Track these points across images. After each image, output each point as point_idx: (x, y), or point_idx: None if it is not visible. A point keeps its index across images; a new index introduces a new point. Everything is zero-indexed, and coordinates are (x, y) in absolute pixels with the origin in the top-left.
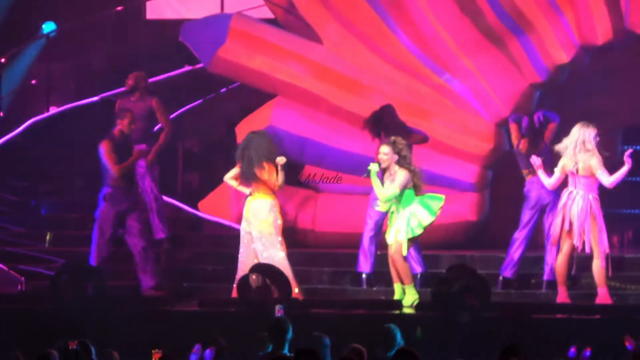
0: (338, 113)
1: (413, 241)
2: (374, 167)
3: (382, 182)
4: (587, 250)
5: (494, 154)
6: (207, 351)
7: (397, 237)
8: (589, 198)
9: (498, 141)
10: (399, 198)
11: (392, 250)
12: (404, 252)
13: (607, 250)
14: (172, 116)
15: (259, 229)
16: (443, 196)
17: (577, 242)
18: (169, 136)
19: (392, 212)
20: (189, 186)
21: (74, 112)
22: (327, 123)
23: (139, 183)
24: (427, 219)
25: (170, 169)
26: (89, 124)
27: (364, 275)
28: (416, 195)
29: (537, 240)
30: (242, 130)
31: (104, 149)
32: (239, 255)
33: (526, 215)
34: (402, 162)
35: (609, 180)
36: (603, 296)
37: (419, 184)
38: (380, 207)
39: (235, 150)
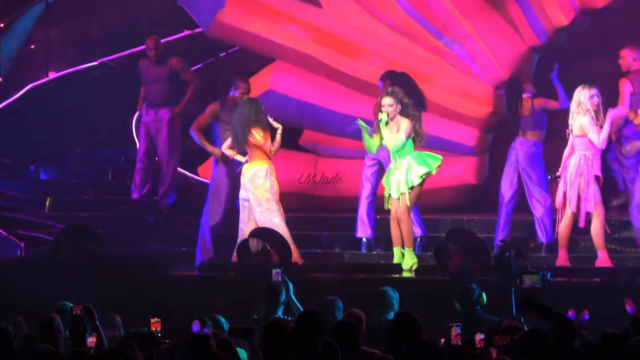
0: (337, 77)
1: (414, 198)
2: (384, 117)
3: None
4: (590, 209)
5: (493, 118)
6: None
7: (400, 189)
8: (582, 158)
9: (497, 105)
10: (400, 149)
11: (397, 210)
12: (408, 203)
13: (593, 210)
14: None
15: (256, 195)
16: (441, 156)
17: (572, 206)
18: (197, 89)
19: (390, 171)
20: (189, 151)
21: (73, 77)
22: (327, 87)
23: (153, 135)
24: (423, 169)
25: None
26: (88, 89)
27: (364, 240)
28: (415, 149)
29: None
30: None
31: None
32: (239, 222)
33: (506, 172)
34: (405, 109)
35: (598, 140)
36: (602, 259)
37: (420, 131)
38: (371, 148)
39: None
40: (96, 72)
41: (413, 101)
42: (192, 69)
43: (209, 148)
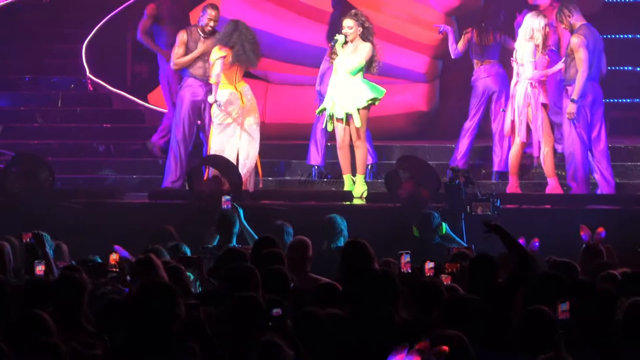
0: (287, 3)
1: (365, 121)
2: (340, 38)
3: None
4: (540, 137)
5: (443, 45)
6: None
7: (347, 109)
8: (528, 86)
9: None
10: (353, 72)
11: (345, 139)
12: (359, 125)
13: (542, 139)
14: (121, 7)
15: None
16: (384, 90)
17: (521, 135)
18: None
19: (330, 92)
20: (138, 78)
21: (22, 3)
22: (277, 13)
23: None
24: (371, 94)
25: (119, 61)
26: (36, 15)
27: (315, 167)
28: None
29: (486, 130)
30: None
31: None
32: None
33: (473, 104)
34: (366, 33)
35: (530, 74)
36: (553, 186)
37: (376, 57)
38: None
39: None
40: None
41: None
42: None
43: (161, 51)
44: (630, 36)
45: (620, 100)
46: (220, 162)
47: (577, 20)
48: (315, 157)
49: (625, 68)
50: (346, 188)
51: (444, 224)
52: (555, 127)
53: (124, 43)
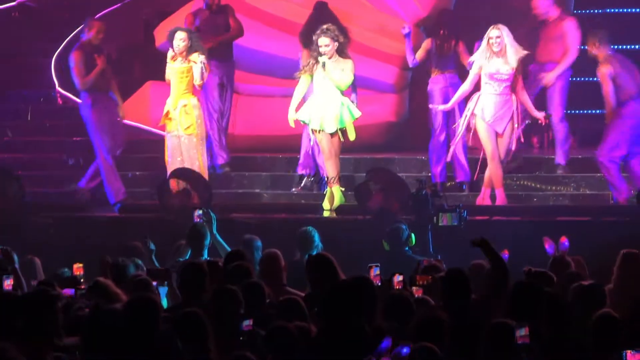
0: (257, 15)
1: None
2: (324, 59)
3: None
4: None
5: None
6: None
7: (337, 124)
8: (477, 97)
9: (416, 42)
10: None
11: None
12: (342, 139)
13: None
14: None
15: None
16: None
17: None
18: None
19: (313, 105)
20: None
21: None
22: (247, 25)
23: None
24: (358, 113)
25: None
26: (6, 29)
27: (305, 177)
28: None
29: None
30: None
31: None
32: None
33: (438, 116)
34: (342, 48)
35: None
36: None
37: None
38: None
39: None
40: (15, 13)
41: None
42: (110, 9)
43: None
44: None
45: (589, 112)
46: (190, 176)
47: (603, 51)
48: (304, 166)
49: (595, 79)
50: (336, 200)
51: (412, 235)
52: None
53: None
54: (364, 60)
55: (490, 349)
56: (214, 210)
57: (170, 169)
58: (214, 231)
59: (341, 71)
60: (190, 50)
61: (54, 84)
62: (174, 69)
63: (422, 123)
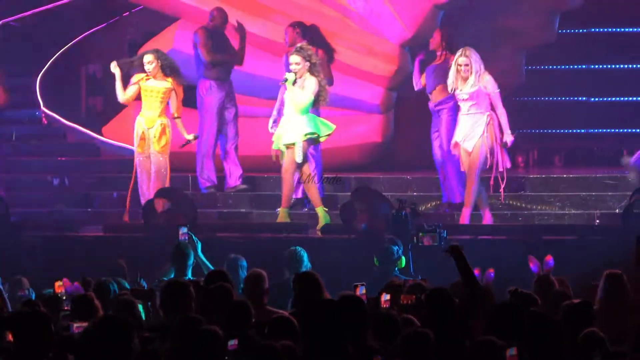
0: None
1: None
2: (290, 77)
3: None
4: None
5: (398, 76)
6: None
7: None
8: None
9: (402, 63)
10: (304, 110)
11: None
12: (298, 159)
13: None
14: (75, 41)
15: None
16: (334, 126)
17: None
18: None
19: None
20: (92, 111)
21: None
22: None
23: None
24: (310, 129)
25: (74, 93)
26: None
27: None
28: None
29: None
30: None
31: None
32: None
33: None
34: (313, 69)
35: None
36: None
37: (324, 94)
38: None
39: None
40: None
41: (324, 59)
42: (96, 28)
43: None
44: (584, 67)
45: (574, 131)
46: (175, 195)
47: None
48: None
49: (580, 99)
50: (320, 220)
51: (403, 257)
52: None
53: (77, 76)
54: (350, 81)
55: None
56: (199, 230)
57: (140, 188)
58: (199, 252)
59: (301, 89)
60: (164, 69)
61: (39, 104)
62: (148, 87)
63: (408, 143)
